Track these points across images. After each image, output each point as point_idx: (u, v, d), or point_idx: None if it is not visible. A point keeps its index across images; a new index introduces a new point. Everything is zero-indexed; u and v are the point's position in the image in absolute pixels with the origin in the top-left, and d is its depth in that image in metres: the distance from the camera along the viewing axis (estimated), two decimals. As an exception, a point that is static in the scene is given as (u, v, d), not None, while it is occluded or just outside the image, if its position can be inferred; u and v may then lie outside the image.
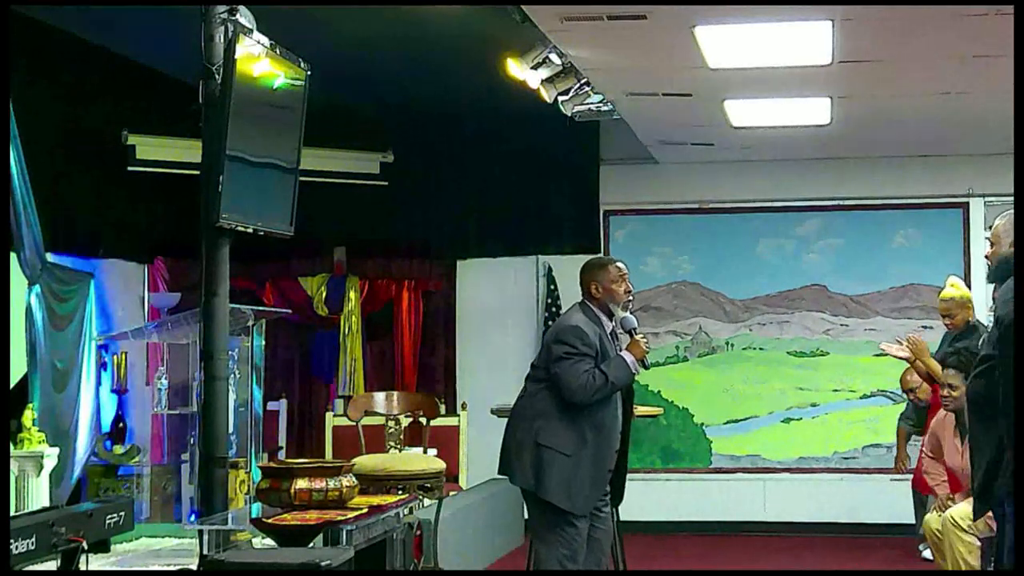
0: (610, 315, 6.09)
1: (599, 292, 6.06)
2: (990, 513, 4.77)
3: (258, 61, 5.90)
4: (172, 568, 6.15)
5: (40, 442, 7.36)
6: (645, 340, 6.07)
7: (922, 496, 8.33)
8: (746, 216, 10.94)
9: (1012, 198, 9.23)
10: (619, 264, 6.14)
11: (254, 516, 4.98)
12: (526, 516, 9.20)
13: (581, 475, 5.90)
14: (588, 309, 6.07)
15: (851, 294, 10.81)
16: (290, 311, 9.73)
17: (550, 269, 10.92)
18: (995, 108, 8.51)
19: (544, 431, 5.91)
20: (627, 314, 6.10)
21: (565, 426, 5.90)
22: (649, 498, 10.33)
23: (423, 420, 8.05)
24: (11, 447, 7.21)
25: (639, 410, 7.18)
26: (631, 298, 6.13)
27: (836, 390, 10.73)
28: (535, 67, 7.73)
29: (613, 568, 6.86)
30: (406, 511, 5.80)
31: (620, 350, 6.07)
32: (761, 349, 10.94)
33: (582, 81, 8.07)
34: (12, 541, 4.94)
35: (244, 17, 5.76)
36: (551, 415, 5.92)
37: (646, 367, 6.10)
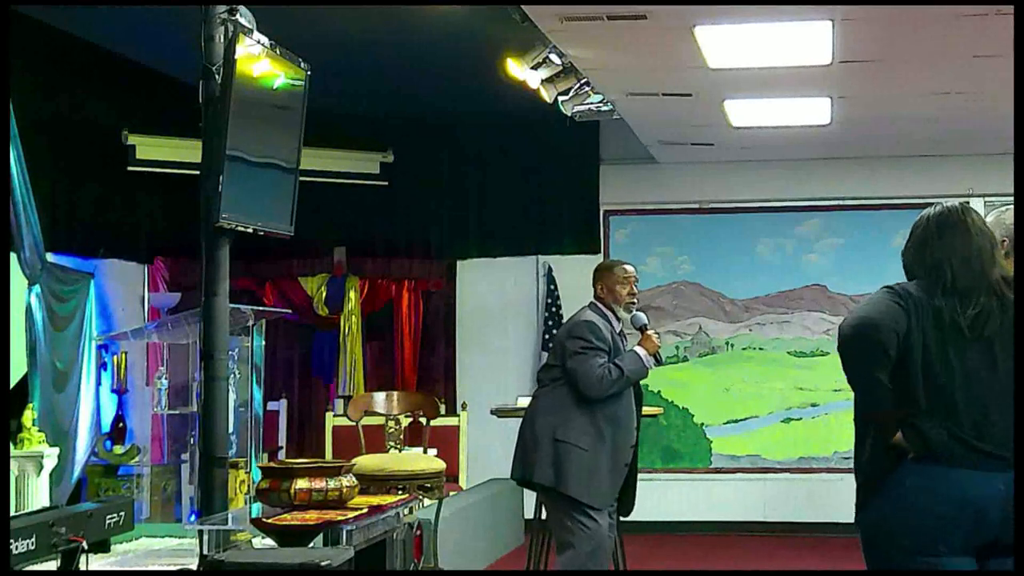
0: (618, 316, 6.18)
1: (603, 293, 6.21)
2: None
3: (258, 61, 5.89)
4: (172, 568, 6.14)
5: (40, 442, 7.36)
6: (657, 335, 6.20)
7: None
8: (746, 216, 10.94)
9: (1012, 198, 9.25)
10: (626, 267, 6.27)
11: (254, 516, 4.97)
12: (527, 516, 9.22)
13: (600, 469, 5.97)
14: (598, 308, 6.19)
15: (851, 294, 10.81)
16: (290, 311, 9.73)
17: (550, 269, 10.92)
18: (995, 108, 8.51)
19: (561, 427, 5.98)
20: (637, 312, 6.22)
21: (582, 421, 5.98)
22: (649, 498, 10.26)
23: (423, 420, 8.04)
24: (11, 447, 7.21)
25: (638, 410, 7.21)
26: (634, 301, 6.22)
27: (836, 390, 10.72)
28: (535, 67, 7.73)
29: (613, 568, 6.86)
30: (406, 511, 5.79)
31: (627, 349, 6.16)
32: (761, 349, 10.94)
33: (582, 81, 8.07)
34: (12, 541, 4.94)
35: (244, 17, 5.75)
36: (568, 411, 6.00)
37: (660, 362, 6.24)
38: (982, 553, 3.50)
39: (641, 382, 6.33)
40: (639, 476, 6.41)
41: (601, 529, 5.98)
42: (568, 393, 6.01)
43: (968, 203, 3.79)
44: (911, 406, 3.55)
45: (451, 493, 8.31)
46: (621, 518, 6.55)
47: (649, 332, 6.16)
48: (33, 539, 5.09)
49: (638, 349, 6.08)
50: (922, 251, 3.68)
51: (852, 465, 3.79)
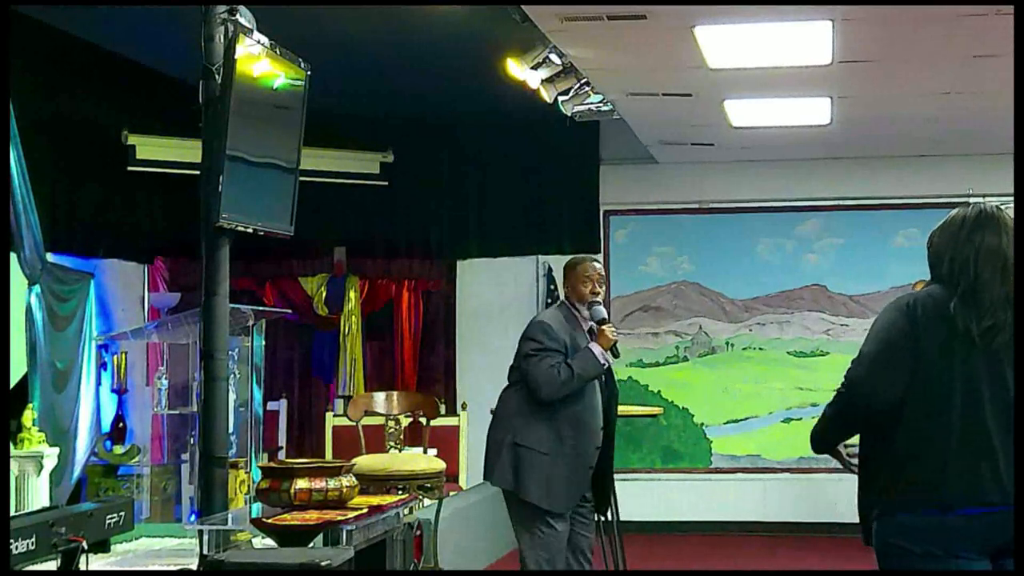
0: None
1: (568, 290, 6.07)
2: None
3: (258, 61, 5.89)
4: (172, 568, 6.14)
5: (40, 442, 7.36)
6: (613, 329, 5.98)
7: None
8: (746, 216, 10.94)
9: (1012, 198, 9.25)
10: (595, 264, 6.08)
11: (254, 516, 4.97)
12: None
13: (559, 473, 5.84)
14: (565, 307, 6.06)
15: (851, 294, 10.81)
16: (290, 311, 9.73)
17: (550, 269, 10.91)
18: (995, 108, 8.52)
19: (521, 430, 5.87)
20: (595, 307, 6.02)
21: (541, 424, 5.86)
22: (649, 498, 10.32)
23: (423, 420, 8.05)
24: (11, 447, 7.21)
25: (639, 410, 7.20)
26: (597, 299, 6.04)
27: (836, 390, 10.72)
28: (535, 67, 7.73)
29: (613, 568, 6.86)
30: (406, 511, 5.79)
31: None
32: (761, 349, 10.94)
33: (582, 81, 8.08)
34: (12, 541, 4.95)
35: (244, 17, 5.75)
36: (526, 414, 5.88)
37: (616, 356, 6.05)
38: (996, 556, 3.50)
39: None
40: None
41: (559, 536, 5.88)
42: (526, 396, 5.90)
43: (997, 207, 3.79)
44: (918, 406, 3.57)
45: (451, 493, 8.31)
46: (616, 513, 6.51)
47: (604, 327, 5.96)
48: (33, 539, 5.09)
49: (592, 346, 5.89)
50: (952, 244, 3.66)
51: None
